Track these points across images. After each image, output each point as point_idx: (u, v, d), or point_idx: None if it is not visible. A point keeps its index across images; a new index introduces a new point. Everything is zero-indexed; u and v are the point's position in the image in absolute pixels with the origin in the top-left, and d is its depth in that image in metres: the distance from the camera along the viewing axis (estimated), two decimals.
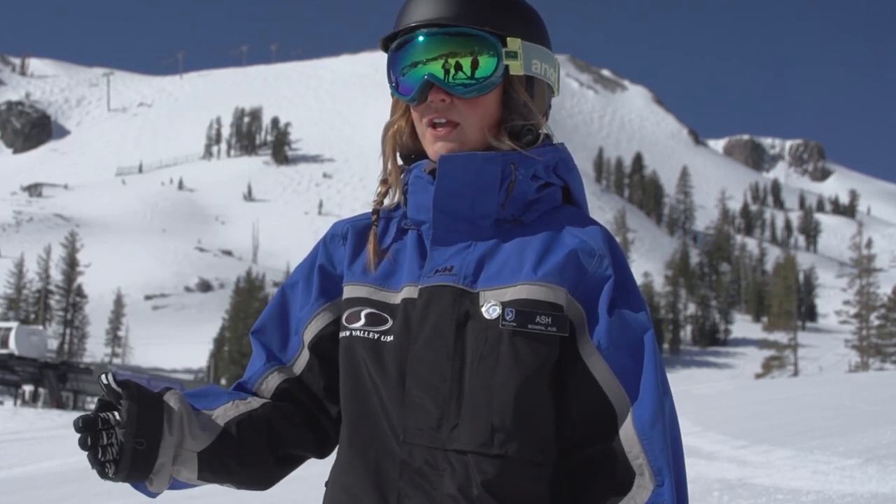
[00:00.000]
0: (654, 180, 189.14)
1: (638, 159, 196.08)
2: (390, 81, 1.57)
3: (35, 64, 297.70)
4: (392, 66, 1.56)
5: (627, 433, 1.43)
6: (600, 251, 1.49)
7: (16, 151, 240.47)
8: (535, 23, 1.57)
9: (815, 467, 8.37)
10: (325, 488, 1.56)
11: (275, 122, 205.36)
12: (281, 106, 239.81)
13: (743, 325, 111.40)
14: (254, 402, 1.55)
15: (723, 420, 13.39)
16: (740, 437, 11.06)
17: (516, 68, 1.50)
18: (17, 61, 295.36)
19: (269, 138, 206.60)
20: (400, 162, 1.61)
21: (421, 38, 1.51)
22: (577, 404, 1.46)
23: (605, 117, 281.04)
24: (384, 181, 1.61)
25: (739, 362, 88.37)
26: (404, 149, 1.60)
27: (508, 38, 1.50)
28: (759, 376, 67.88)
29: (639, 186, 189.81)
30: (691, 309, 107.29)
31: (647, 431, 1.42)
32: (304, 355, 1.59)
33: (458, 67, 1.49)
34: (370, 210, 1.64)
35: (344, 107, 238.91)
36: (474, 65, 1.49)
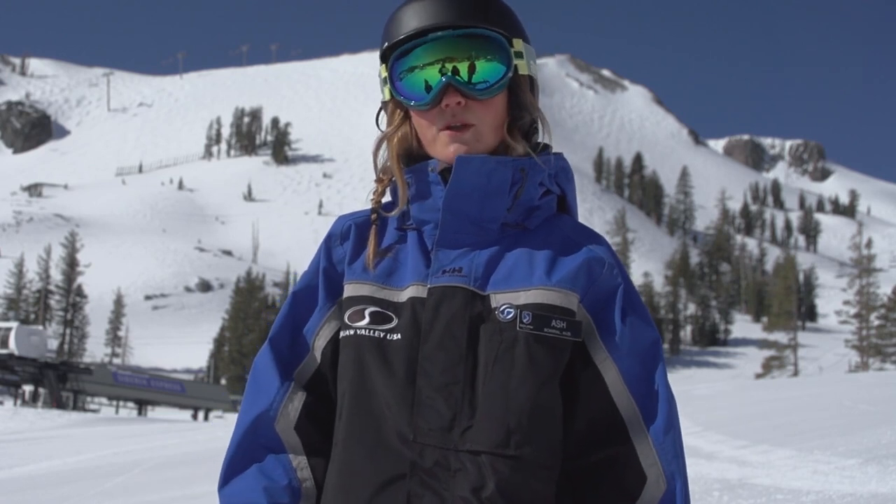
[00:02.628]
0: (654, 180, 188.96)
1: (638, 159, 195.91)
2: (396, 90, 1.53)
3: (35, 64, 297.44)
4: (394, 74, 1.53)
5: (640, 440, 1.46)
6: (609, 260, 1.52)
7: (16, 151, 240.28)
8: (522, 23, 1.59)
9: (815, 467, 8.35)
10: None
11: (275, 122, 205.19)
12: (281, 106, 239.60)
13: (743, 325, 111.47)
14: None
15: (723, 420, 13.36)
16: (740, 437, 11.03)
17: (523, 68, 1.53)
18: (17, 61, 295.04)
19: (269, 138, 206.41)
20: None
21: (432, 41, 1.50)
22: (586, 409, 1.48)
23: (605, 117, 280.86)
24: (380, 179, 1.60)
25: (739, 362, 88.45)
26: (412, 154, 1.57)
27: (514, 39, 1.53)
28: (759, 376, 67.95)
29: (639, 186, 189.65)
30: (691, 309, 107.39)
31: (660, 439, 1.46)
32: (316, 362, 1.56)
33: (472, 69, 1.49)
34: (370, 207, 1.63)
35: (344, 107, 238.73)
36: (471, 69, 1.50)
